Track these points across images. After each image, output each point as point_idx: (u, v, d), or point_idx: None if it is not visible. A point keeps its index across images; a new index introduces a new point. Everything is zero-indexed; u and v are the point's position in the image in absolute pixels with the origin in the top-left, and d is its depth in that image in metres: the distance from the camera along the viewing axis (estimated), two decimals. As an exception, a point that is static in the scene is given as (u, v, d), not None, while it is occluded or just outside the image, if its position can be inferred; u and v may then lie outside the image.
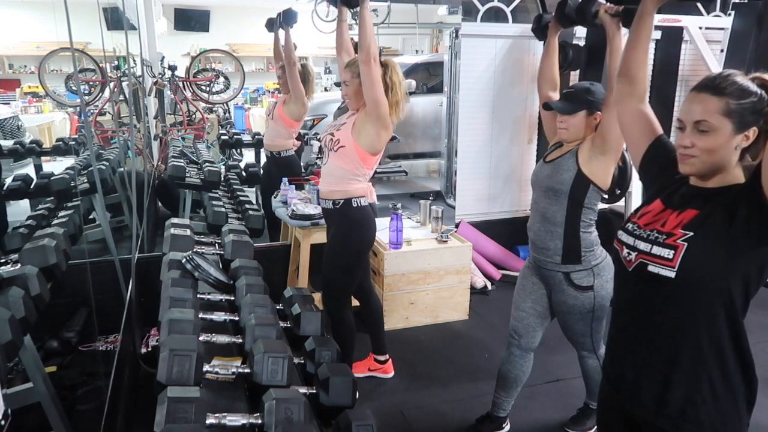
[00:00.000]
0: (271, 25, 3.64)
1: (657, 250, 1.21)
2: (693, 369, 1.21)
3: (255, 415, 1.29)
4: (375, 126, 2.30)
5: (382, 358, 2.86)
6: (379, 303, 2.82)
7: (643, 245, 1.25)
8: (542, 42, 2.41)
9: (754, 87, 1.17)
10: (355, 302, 2.70)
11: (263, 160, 4.65)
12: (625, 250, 1.30)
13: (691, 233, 1.17)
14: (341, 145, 2.35)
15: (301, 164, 4.25)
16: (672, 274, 1.17)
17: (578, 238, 2.02)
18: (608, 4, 1.74)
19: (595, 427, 2.37)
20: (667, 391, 1.24)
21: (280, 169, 3.70)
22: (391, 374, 2.88)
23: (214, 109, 5.42)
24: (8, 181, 2.49)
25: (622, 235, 1.32)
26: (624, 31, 1.83)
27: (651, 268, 1.21)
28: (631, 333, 1.33)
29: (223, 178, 4.22)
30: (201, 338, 1.55)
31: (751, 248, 1.13)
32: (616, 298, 1.42)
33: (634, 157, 1.42)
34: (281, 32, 3.50)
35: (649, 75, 1.47)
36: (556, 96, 2.21)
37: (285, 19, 3.39)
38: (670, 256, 1.18)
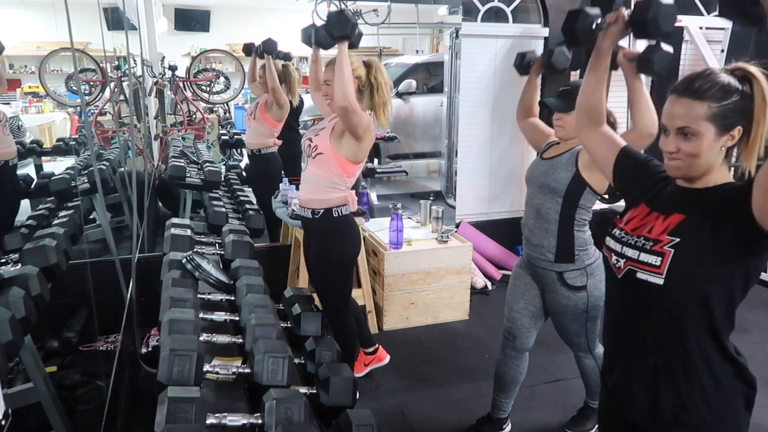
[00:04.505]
0: (249, 50, 3.68)
1: (645, 257, 1.20)
2: (683, 374, 1.21)
3: (255, 415, 1.29)
4: (358, 138, 2.21)
5: (371, 349, 2.84)
6: (356, 302, 2.77)
7: (630, 252, 1.24)
8: (542, 44, 2.42)
9: (735, 83, 1.15)
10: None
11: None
12: (614, 257, 1.29)
13: (678, 239, 1.17)
14: (319, 152, 2.24)
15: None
16: (660, 281, 1.17)
17: (572, 236, 2.02)
18: (626, 49, 1.65)
19: (596, 427, 2.37)
20: (659, 397, 1.24)
21: (262, 166, 3.72)
22: (387, 359, 2.87)
23: (214, 109, 5.42)
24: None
25: (610, 242, 1.32)
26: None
27: (640, 275, 1.21)
28: (622, 339, 1.33)
29: (223, 178, 4.22)
30: (201, 338, 1.55)
31: (737, 258, 1.13)
32: (608, 304, 1.42)
33: (606, 174, 1.44)
34: (264, 59, 3.50)
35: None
36: (534, 121, 2.34)
37: (265, 48, 3.41)
38: (658, 263, 1.18)
